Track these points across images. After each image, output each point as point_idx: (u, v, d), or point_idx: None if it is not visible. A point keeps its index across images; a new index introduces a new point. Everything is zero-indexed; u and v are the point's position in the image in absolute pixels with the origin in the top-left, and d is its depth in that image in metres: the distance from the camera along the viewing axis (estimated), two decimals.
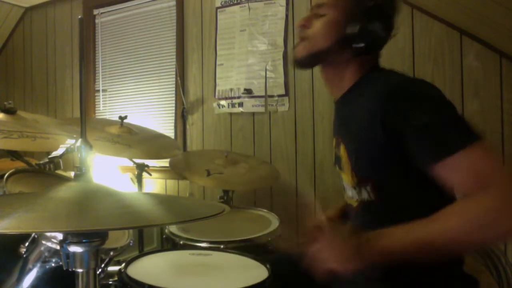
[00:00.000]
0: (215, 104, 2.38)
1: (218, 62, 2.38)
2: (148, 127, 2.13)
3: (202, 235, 1.43)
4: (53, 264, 1.00)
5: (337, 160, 1.06)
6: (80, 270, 0.64)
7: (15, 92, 3.39)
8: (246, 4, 2.28)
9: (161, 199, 0.78)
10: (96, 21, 2.92)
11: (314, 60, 1.05)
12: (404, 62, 1.86)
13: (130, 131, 1.81)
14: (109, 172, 2.59)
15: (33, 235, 1.01)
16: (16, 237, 1.04)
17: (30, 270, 1.01)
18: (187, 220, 0.65)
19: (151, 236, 2.20)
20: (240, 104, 2.29)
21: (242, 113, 2.30)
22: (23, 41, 3.36)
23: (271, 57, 2.21)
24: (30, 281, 1.00)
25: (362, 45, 0.95)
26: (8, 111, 1.54)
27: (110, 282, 1.20)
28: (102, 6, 2.88)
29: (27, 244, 1.01)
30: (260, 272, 1.06)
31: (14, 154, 1.50)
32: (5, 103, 1.54)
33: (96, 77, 2.91)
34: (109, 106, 2.88)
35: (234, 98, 2.31)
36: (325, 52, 1.01)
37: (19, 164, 1.49)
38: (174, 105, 2.54)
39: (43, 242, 0.99)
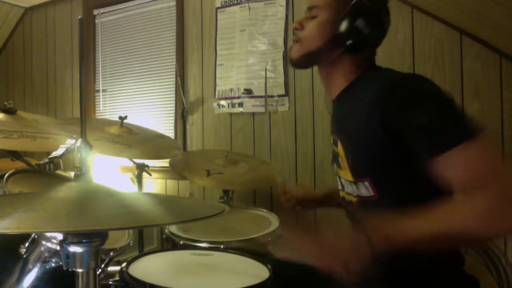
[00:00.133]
0: (215, 104, 2.38)
1: (218, 62, 2.38)
2: (148, 127, 2.13)
3: (202, 235, 1.43)
4: (53, 264, 1.00)
5: (335, 158, 1.07)
6: (80, 270, 0.64)
7: (15, 92, 3.39)
8: (246, 4, 2.28)
9: (161, 199, 0.78)
10: (96, 21, 2.92)
11: (309, 60, 1.07)
12: (404, 62, 1.86)
13: (130, 131, 1.81)
14: (109, 172, 2.59)
15: (33, 235, 1.00)
16: (16, 237, 1.04)
17: (30, 270, 1.01)
18: (187, 220, 0.65)
19: (151, 236, 2.20)
20: (240, 104, 2.29)
21: (242, 113, 2.30)
22: (23, 41, 3.36)
23: (271, 57, 2.21)
24: (30, 281, 1.00)
25: (352, 42, 0.97)
26: (8, 111, 1.54)
27: (110, 282, 1.20)
28: (102, 6, 2.88)
29: (27, 244, 1.01)
30: (260, 272, 1.06)
31: (14, 154, 1.50)
32: (5, 103, 1.55)
33: (96, 77, 2.91)
34: (109, 106, 2.88)
35: (234, 98, 2.31)
36: (318, 52, 1.03)
37: (19, 164, 1.49)
38: (174, 105, 2.54)
39: (43, 242, 0.99)
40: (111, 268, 1.16)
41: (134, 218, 0.62)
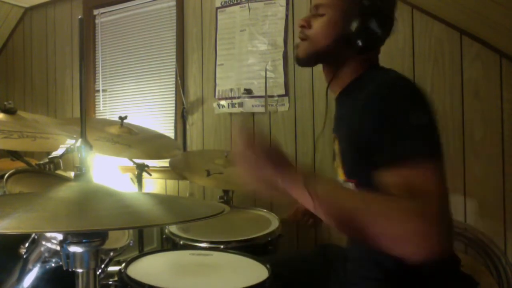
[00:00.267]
0: (215, 104, 2.38)
1: (218, 62, 2.38)
2: (148, 127, 2.13)
3: (202, 235, 1.43)
4: (53, 264, 1.00)
5: (334, 156, 1.09)
6: (80, 270, 0.64)
7: (15, 92, 3.39)
8: (246, 4, 2.28)
9: (161, 199, 0.78)
10: (96, 21, 2.92)
11: (316, 59, 1.07)
12: (404, 62, 1.86)
13: (130, 131, 1.81)
14: (109, 172, 2.59)
15: (33, 235, 1.00)
16: (16, 237, 1.04)
17: (30, 270, 1.00)
18: (187, 220, 0.65)
19: (151, 236, 2.20)
20: (240, 104, 2.29)
21: (242, 113, 2.30)
22: (23, 41, 3.36)
23: (271, 57, 2.21)
24: (30, 281, 1.00)
25: (363, 42, 0.97)
26: (8, 111, 1.54)
27: (110, 282, 1.20)
28: (102, 6, 2.88)
29: (27, 244, 1.01)
30: (260, 272, 1.06)
31: (14, 154, 1.50)
32: (5, 103, 1.54)
33: (96, 77, 2.91)
34: (109, 106, 2.88)
35: (234, 98, 2.31)
36: (325, 51, 1.03)
37: (19, 164, 1.49)
38: (174, 105, 2.54)
39: (43, 242, 0.99)
40: (111, 268, 1.16)
41: (134, 218, 0.62)
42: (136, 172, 1.89)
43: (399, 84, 0.91)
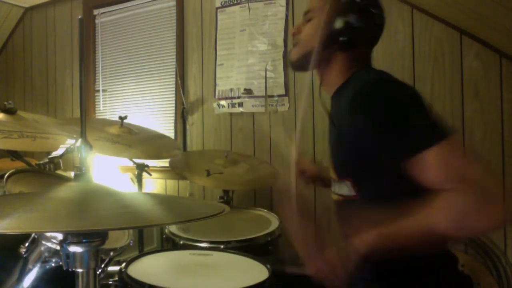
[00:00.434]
0: (215, 104, 2.38)
1: (218, 62, 2.38)
2: (148, 127, 2.13)
3: (202, 235, 1.43)
4: (53, 264, 1.00)
5: (329, 156, 1.10)
6: (80, 270, 0.64)
7: (15, 92, 3.39)
8: (246, 4, 2.28)
9: (161, 199, 0.78)
10: (96, 21, 2.92)
11: (307, 61, 1.09)
12: (404, 62, 1.86)
13: (130, 131, 1.81)
14: (109, 172, 2.59)
15: (33, 235, 1.00)
16: (16, 237, 1.04)
17: (30, 270, 1.00)
18: (187, 220, 0.65)
19: (151, 236, 2.20)
20: (240, 104, 2.29)
21: (242, 113, 2.30)
22: (23, 41, 3.36)
23: (271, 57, 2.21)
24: (30, 281, 1.00)
25: (344, 38, 1.00)
26: (8, 111, 1.54)
27: (110, 282, 1.20)
28: (102, 6, 2.88)
29: (27, 244, 1.01)
30: (260, 272, 1.06)
31: (14, 154, 1.49)
32: (5, 103, 1.54)
33: (96, 77, 2.91)
34: (109, 106, 2.88)
35: (234, 98, 2.31)
36: (313, 51, 1.05)
37: (19, 164, 1.49)
38: (174, 105, 2.54)
39: (43, 242, 0.99)
40: (111, 268, 1.16)
41: (134, 218, 0.62)
42: (136, 172, 1.89)
43: (388, 83, 0.92)
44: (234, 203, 1.97)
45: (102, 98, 2.90)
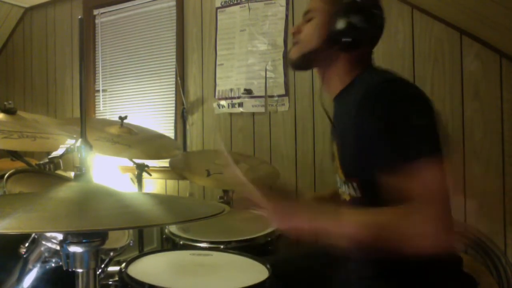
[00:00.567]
0: (215, 104, 2.38)
1: (218, 62, 2.38)
2: (148, 127, 2.13)
3: (202, 235, 1.43)
4: (53, 264, 1.00)
5: (333, 157, 1.10)
6: (80, 270, 0.64)
7: (15, 92, 3.39)
8: (246, 4, 2.28)
9: (161, 199, 0.78)
10: (96, 21, 2.92)
11: (307, 61, 1.10)
12: (404, 62, 1.86)
13: (130, 131, 1.81)
14: (109, 172, 2.58)
15: (33, 235, 1.00)
16: (16, 237, 1.04)
17: (30, 270, 1.00)
18: (187, 220, 0.65)
19: (151, 236, 2.19)
20: (240, 104, 2.29)
21: (242, 113, 2.30)
22: (23, 41, 3.36)
23: (271, 57, 2.21)
24: (30, 281, 1.00)
25: (346, 39, 1.00)
26: (8, 111, 1.54)
27: (110, 282, 1.20)
28: (102, 6, 2.88)
29: (27, 244, 1.01)
30: (260, 272, 1.06)
31: (14, 154, 1.49)
32: (5, 103, 1.54)
33: (96, 77, 2.91)
34: (109, 106, 2.88)
35: (234, 98, 2.31)
36: (314, 51, 1.06)
37: (19, 164, 1.49)
38: (174, 105, 2.54)
39: (43, 242, 0.99)
40: (111, 268, 1.16)
41: (134, 218, 0.62)
42: (136, 172, 1.89)
43: (396, 85, 0.92)
44: (234, 203, 1.97)
45: (102, 98, 2.90)
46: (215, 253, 1.25)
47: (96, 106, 2.92)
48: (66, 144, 1.56)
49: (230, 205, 1.87)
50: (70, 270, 0.63)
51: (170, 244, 1.49)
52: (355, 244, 0.85)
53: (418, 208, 0.79)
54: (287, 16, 2.17)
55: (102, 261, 1.10)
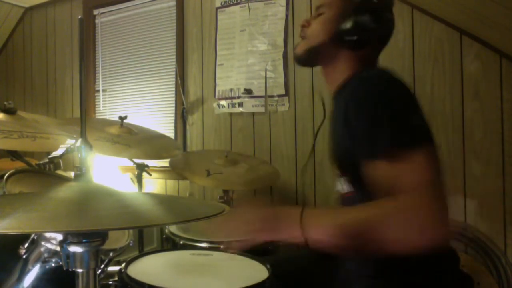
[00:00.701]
0: (215, 104, 2.38)
1: (218, 62, 2.38)
2: (148, 127, 2.13)
3: (202, 235, 1.43)
4: (53, 264, 1.00)
5: (330, 154, 1.10)
6: (80, 270, 0.64)
7: (15, 92, 3.39)
8: (246, 4, 2.28)
9: (161, 199, 0.78)
10: (96, 21, 2.92)
11: (312, 56, 1.09)
12: (404, 62, 1.86)
13: (130, 131, 1.81)
14: (109, 172, 2.59)
15: (32, 235, 1.00)
16: (16, 237, 1.04)
17: (30, 270, 1.00)
18: (187, 220, 0.65)
19: (151, 236, 2.19)
20: (240, 104, 2.29)
21: (242, 113, 2.30)
22: (23, 41, 3.36)
23: (271, 57, 2.21)
24: (30, 281, 1.00)
25: (352, 38, 0.99)
26: (8, 111, 1.54)
27: (110, 282, 1.20)
28: (102, 6, 2.88)
29: (26, 245, 1.01)
30: (260, 272, 1.06)
31: (14, 154, 1.49)
32: (5, 103, 1.54)
33: (96, 77, 2.91)
34: (109, 106, 2.88)
35: (234, 98, 2.31)
36: (320, 47, 1.06)
37: (19, 164, 1.49)
38: (174, 105, 2.54)
39: (43, 243, 0.99)
40: (111, 268, 1.16)
41: (134, 218, 0.62)
42: (136, 172, 1.89)
43: (375, 78, 0.92)
44: (234, 203, 1.97)
45: (102, 98, 2.90)
46: (215, 253, 1.25)
47: (96, 106, 2.92)
48: (66, 144, 1.56)
49: (230, 205, 1.88)
50: (70, 270, 0.63)
51: (170, 244, 1.49)
52: (333, 249, 0.80)
53: (401, 199, 0.75)
54: (287, 16, 2.17)
55: (102, 261, 1.10)
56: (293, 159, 2.15)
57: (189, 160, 2.02)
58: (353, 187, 0.98)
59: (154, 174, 2.42)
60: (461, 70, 1.76)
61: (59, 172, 1.58)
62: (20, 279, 1.00)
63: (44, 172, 1.49)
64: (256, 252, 1.25)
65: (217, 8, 2.39)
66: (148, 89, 2.69)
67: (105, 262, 1.11)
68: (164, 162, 2.32)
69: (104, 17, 2.89)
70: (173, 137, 2.49)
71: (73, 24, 3.06)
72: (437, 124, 1.77)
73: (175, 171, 2.01)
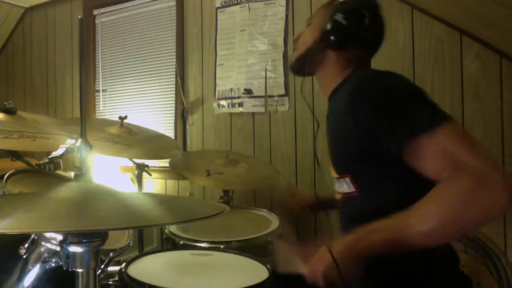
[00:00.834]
0: (215, 104, 2.38)
1: (218, 62, 2.38)
2: (148, 127, 2.13)
3: (202, 235, 1.43)
4: (53, 264, 1.00)
5: (329, 155, 1.11)
6: (80, 270, 0.64)
7: (15, 92, 3.39)
8: (246, 4, 2.28)
9: (161, 199, 0.78)
10: (96, 21, 2.92)
11: (303, 63, 1.13)
12: (404, 62, 1.86)
13: (130, 131, 1.81)
14: (109, 172, 2.59)
15: (32, 235, 1.00)
16: (16, 237, 1.04)
17: (30, 270, 1.00)
18: (187, 220, 0.65)
19: (151, 236, 2.19)
20: (240, 104, 2.29)
21: (242, 113, 2.30)
22: (23, 41, 3.36)
23: (271, 57, 2.20)
24: (30, 281, 1.00)
25: (334, 37, 1.03)
26: (8, 111, 1.54)
27: (110, 282, 1.20)
28: (102, 6, 2.88)
29: (26, 245, 1.01)
30: (260, 272, 1.06)
31: (14, 154, 1.49)
32: (5, 103, 1.54)
33: (96, 77, 2.91)
34: (109, 106, 2.88)
35: (234, 98, 2.31)
36: (309, 52, 1.10)
37: (19, 164, 1.49)
38: (174, 105, 2.54)
39: (43, 243, 0.99)
40: (111, 268, 1.16)
41: (134, 218, 0.62)
42: (136, 172, 1.89)
43: (382, 74, 0.94)
44: (234, 203, 1.97)
45: (102, 98, 2.90)
46: (215, 253, 1.25)
47: (96, 106, 2.92)
48: (66, 144, 1.56)
49: (230, 205, 1.88)
50: (70, 270, 0.63)
51: (170, 244, 1.49)
52: (434, 240, 0.76)
53: (456, 180, 0.73)
54: (287, 16, 2.17)
55: (102, 261, 1.10)
56: (293, 159, 2.15)
57: (189, 160, 2.02)
58: (354, 187, 0.98)
59: (154, 174, 2.42)
60: (461, 70, 1.76)
61: (59, 172, 1.58)
62: (20, 279, 1.00)
63: (44, 172, 1.49)
64: (256, 252, 1.25)
65: (217, 8, 2.39)
66: (148, 89, 2.69)
67: (105, 262, 1.11)
68: (164, 162, 2.32)
69: (104, 17, 2.89)
70: (173, 137, 2.49)
71: (73, 24, 3.05)
72: None
73: (175, 171, 2.01)
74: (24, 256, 1.01)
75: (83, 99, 0.80)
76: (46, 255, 1.00)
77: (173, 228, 1.51)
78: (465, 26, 1.73)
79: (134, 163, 1.86)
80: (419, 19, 1.83)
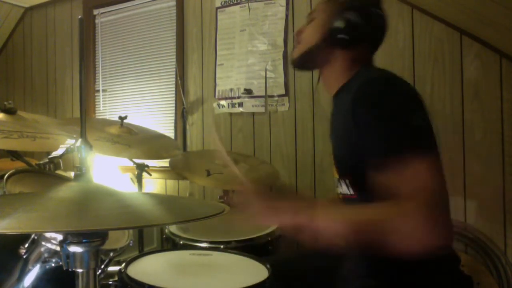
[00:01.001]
0: (215, 104, 2.38)
1: (218, 62, 2.38)
2: (148, 127, 2.13)
3: (202, 235, 1.43)
4: (53, 264, 1.00)
5: (333, 154, 1.11)
6: (80, 270, 0.64)
7: (15, 92, 3.39)
8: (246, 4, 2.28)
9: (161, 199, 0.78)
10: (96, 21, 2.92)
11: (307, 59, 1.11)
12: (404, 62, 1.86)
13: (130, 131, 1.81)
14: (109, 172, 2.58)
15: (32, 235, 1.00)
16: (16, 237, 1.04)
17: (30, 270, 1.00)
18: (187, 220, 0.65)
19: (151, 236, 2.20)
20: (240, 104, 2.29)
21: (242, 113, 2.30)
22: (23, 41, 3.36)
23: (271, 57, 2.20)
24: (30, 281, 1.00)
25: (342, 35, 1.01)
26: (8, 111, 1.54)
27: (110, 282, 1.20)
28: (102, 6, 2.88)
29: (26, 245, 1.01)
30: (260, 272, 1.06)
31: (14, 154, 1.49)
32: (5, 103, 1.54)
33: (96, 77, 2.91)
34: (109, 106, 2.88)
35: (234, 98, 2.31)
36: (314, 49, 1.08)
37: (19, 164, 1.49)
38: (174, 105, 2.54)
39: (43, 243, 0.99)
40: (111, 268, 1.16)
41: (134, 218, 0.62)
42: (136, 172, 1.89)
43: (388, 81, 0.92)
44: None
45: (102, 98, 2.90)
46: (215, 253, 1.25)
47: (96, 106, 2.92)
48: (66, 144, 1.56)
49: (230, 205, 1.87)
50: (70, 270, 0.63)
51: (170, 244, 1.49)
52: (340, 239, 0.84)
53: (401, 204, 0.78)
54: (287, 16, 2.17)
55: (102, 261, 1.10)
56: (293, 159, 2.15)
57: (189, 160, 2.02)
58: (353, 189, 0.98)
59: (154, 174, 2.42)
60: (461, 70, 1.76)
61: (59, 172, 1.58)
62: (20, 279, 1.00)
63: (44, 172, 1.49)
64: (256, 252, 1.25)
65: (217, 8, 2.39)
66: (148, 89, 2.69)
67: (105, 262, 1.11)
68: (164, 162, 2.32)
69: (104, 17, 2.89)
70: (173, 137, 2.49)
71: (73, 24, 3.06)
72: (437, 124, 1.76)
73: (175, 171, 2.01)
74: (24, 256, 1.01)
75: (83, 99, 0.80)
76: (46, 255, 1.00)
77: (173, 228, 1.51)
78: (465, 26, 1.73)
79: (134, 163, 1.86)
80: (419, 19, 1.83)
